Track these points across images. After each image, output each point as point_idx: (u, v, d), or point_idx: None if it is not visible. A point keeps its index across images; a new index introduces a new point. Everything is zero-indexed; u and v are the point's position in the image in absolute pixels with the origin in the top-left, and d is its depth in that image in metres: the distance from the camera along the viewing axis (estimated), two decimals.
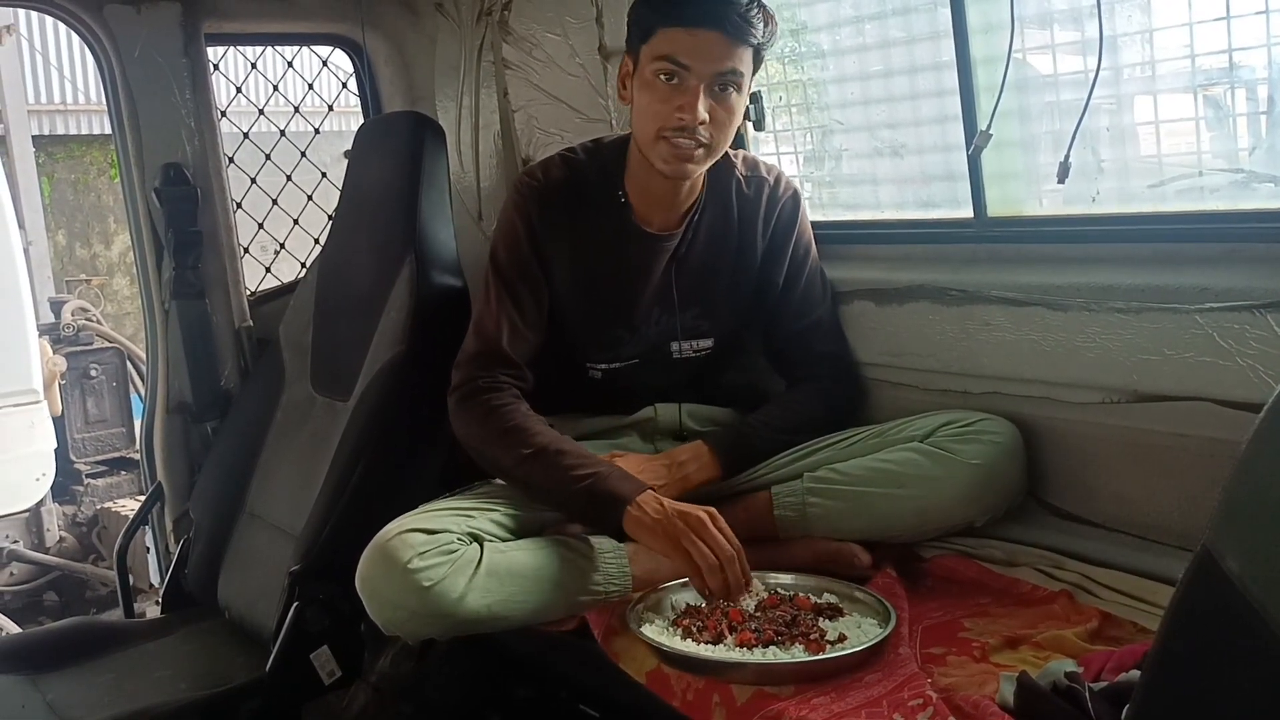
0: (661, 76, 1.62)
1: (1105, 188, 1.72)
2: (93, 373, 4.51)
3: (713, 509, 1.53)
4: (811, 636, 1.42)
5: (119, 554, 2.28)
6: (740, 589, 1.50)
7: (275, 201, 2.61)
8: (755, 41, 1.63)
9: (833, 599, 1.55)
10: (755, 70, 1.68)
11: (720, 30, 1.59)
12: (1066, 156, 1.62)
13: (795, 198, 1.88)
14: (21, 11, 6.38)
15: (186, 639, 2.04)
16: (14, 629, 3.56)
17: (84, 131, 7.83)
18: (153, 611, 2.55)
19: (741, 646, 1.41)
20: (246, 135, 2.54)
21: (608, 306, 1.81)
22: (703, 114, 1.62)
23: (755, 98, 2.05)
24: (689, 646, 1.43)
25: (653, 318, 1.83)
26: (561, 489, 1.60)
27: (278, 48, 2.72)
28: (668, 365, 1.86)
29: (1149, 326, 1.52)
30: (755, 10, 1.61)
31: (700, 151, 1.66)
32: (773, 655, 1.39)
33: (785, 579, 1.61)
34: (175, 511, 2.32)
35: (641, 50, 1.65)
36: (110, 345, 4.60)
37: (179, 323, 2.30)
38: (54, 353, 4.22)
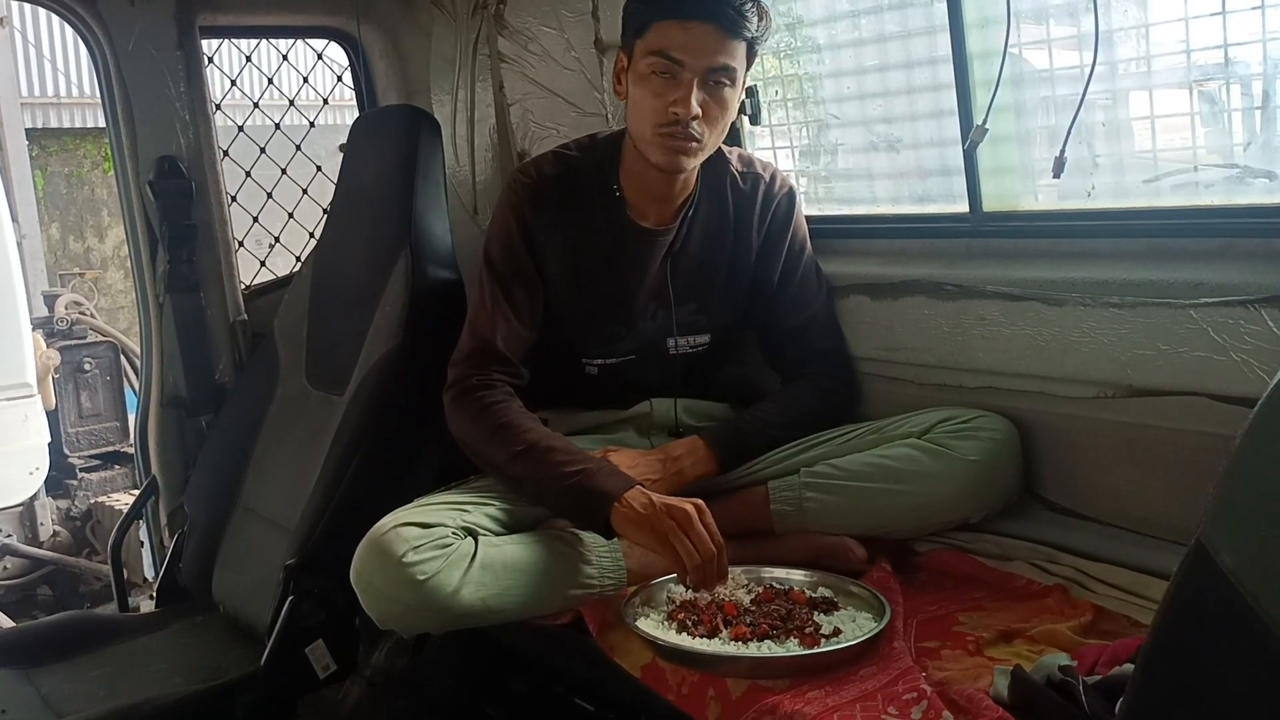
0: (655, 71, 1.62)
1: (1100, 183, 1.72)
2: (86, 366, 4.49)
3: (700, 501, 1.52)
4: (806, 630, 1.42)
5: (113, 548, 2.28)
6: (715, 584, 1.50)
7: (270, 195, 2.60)
8: (749, 35, 1.63)
9: (828, 593, 1.55)
10: (749, 66, 1.68)
11: (714, 23, 1.59)
12: (1062, 151, 1.62)
13: (790, 194, 1.88)
14: (15, 4, 6.35)
15: (181, 633, 2.04)
16: (8, 623, 3.55)
17: (78, 125, 7.77)
18: (147, 606, 2.55)
19: (736, 640, 1.42)
20: (241, 129, 2.53)
21: (604, 302, 1.81)
22: (695, 108, 1.62)
23: (751, 92, 2.06)
24: (684, 640, 1.43)
25: (649, 313, 1.83)
26: (551, 486, 1.59)
27: (272, 41, 2.71)
28: (664, 361, 1.85)
29: (1144, 321, 1.52)
30: (749, 4, 1.61)
31: (694, 145, 1.66)
32: (768, 649, 1.40)
33: (780, 573, 1.61)
34: (170, 506, 2.32)
35: (636, 45, 1.65)
36: (104, 339, 4.58)
37: (173, 316, 2.30)
38: (48, 346, 4.20)
